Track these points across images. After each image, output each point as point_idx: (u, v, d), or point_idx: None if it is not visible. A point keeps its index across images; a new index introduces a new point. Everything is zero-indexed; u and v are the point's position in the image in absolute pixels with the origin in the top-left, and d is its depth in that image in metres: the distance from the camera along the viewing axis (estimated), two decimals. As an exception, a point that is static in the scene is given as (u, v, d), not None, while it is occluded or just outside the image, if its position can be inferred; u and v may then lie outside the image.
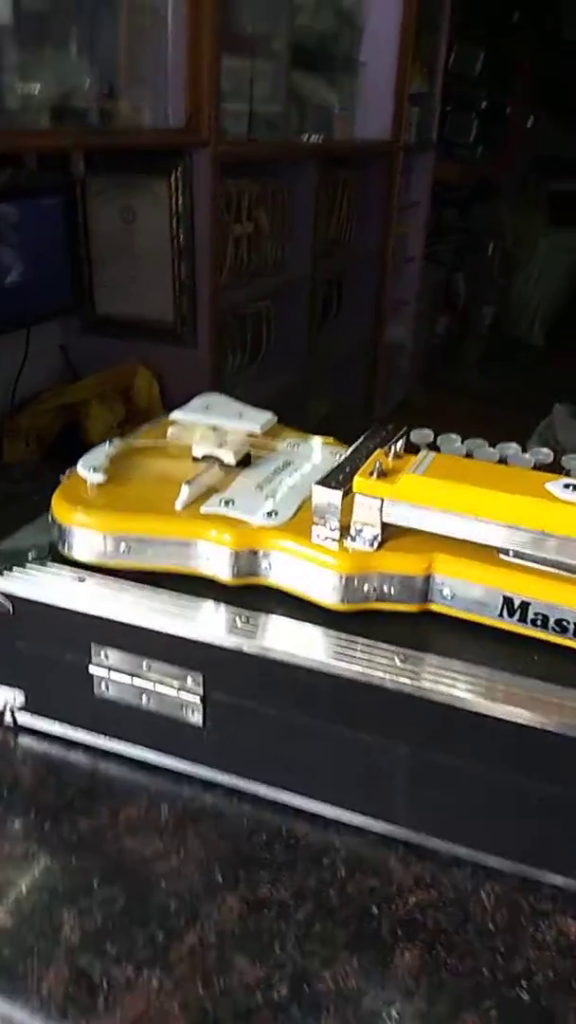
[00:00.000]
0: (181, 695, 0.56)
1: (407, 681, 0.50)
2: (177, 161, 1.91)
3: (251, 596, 0.57)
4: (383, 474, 0.54)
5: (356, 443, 0.61)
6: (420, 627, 0.55)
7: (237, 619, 0.55)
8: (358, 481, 0.54)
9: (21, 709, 0.63)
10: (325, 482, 0.55)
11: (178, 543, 0.58)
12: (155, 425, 0.74)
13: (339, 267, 2.84)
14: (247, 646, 0.53)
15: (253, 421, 0.70)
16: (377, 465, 0.54)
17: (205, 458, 0.65)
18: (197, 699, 0.56)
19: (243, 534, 0.56)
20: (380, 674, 0.50)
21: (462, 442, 0.62)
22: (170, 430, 0.70)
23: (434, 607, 0.55)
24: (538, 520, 0.52)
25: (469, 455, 0.61)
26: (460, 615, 0.55)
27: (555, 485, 0.53)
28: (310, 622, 0.55)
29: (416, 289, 3.47)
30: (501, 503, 0.52)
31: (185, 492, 0.59)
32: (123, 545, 0.58)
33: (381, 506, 0.54)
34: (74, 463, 0.63)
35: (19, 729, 0.63)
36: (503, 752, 0.50)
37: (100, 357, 2.14)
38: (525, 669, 0.51)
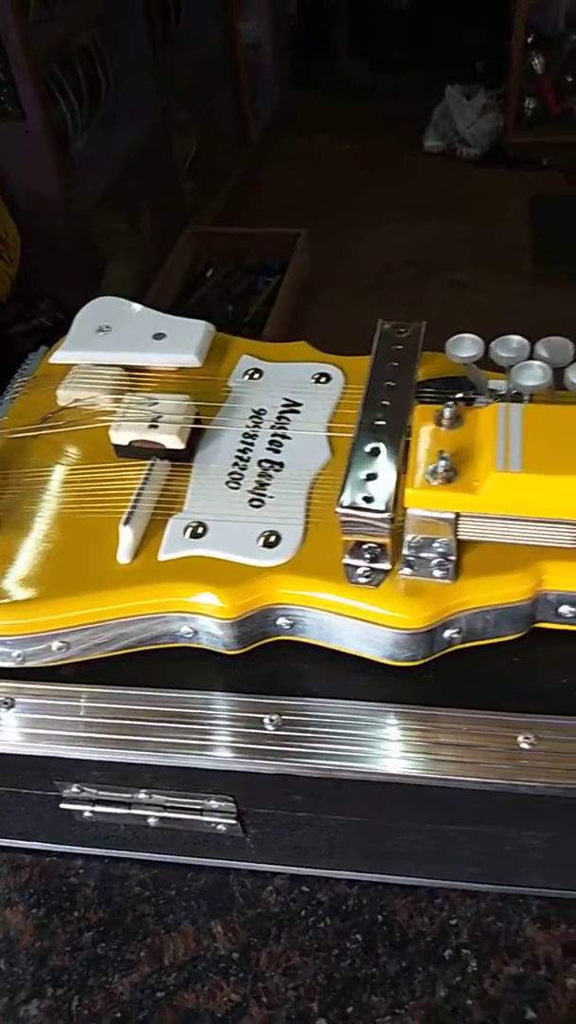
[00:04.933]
0: (204, 817, 0.39)
1: (541, 782, 0.34)
2: None
3: (268, 662, 0.38)
4: (449, 472, 0.33)
5: (367, 386, 0.39)
6: (527, 663, 0.37)
7: (265, 721, 0.36)
8: (414, 495, 0.33)
9: (-21, 835, 0.46)
10: (351, 498, 0.34)
11: (139, 622, 0.37)
12: (28, 377, 0.49)
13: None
14: (289, 766, 0.35)
15: (182, 344, 0.46)
16: (440, 462, 0.33)
17: (133, 446, 0.41)
18: (229, 818, 0.39)
19: (241, 592, 0.36)
20: (498, 780, 0.34)
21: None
22: (60, 391, 0.45)
23: (545, 625, 0.38)
24: None
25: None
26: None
27: None
28: (370, 698, 0.37)
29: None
30: None
31: (127, 537, 0.37)
32: (56, 643, 0.37)
33: (456, 521, 0.34)
34: None
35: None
36: None
37: None
38: None
